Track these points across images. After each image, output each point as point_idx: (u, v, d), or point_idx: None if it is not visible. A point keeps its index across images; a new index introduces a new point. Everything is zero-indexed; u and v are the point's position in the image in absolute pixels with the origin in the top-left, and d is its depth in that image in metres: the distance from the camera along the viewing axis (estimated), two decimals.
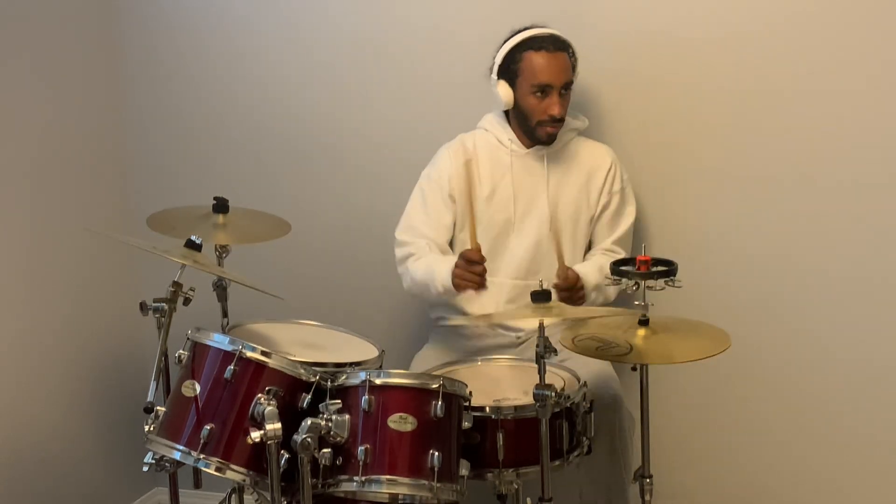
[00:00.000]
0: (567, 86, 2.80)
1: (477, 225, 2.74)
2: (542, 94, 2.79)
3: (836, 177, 2.88)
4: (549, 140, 2.85)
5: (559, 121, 2.81)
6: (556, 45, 2.79)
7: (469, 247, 2.69)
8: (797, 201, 2.92)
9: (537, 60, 2.78)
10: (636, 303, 2.37)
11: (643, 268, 2.36)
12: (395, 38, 3.19)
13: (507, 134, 2.89)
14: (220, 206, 2.84)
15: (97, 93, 3.39)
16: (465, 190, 2.79)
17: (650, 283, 2.35)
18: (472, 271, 2.66)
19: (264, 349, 2.31)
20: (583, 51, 2.85)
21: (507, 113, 2.90)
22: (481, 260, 2.65)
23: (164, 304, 2.47)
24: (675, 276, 2.36)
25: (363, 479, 2.20)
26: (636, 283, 2.36)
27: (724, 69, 2.93)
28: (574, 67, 2.83)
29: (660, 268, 2.37)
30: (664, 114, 3.00)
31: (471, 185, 2.79)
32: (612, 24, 2.99)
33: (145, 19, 3.41)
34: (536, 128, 2.83)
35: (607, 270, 2.51)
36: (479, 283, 2.67)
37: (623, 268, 2.39)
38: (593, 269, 2.78)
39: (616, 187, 2.89)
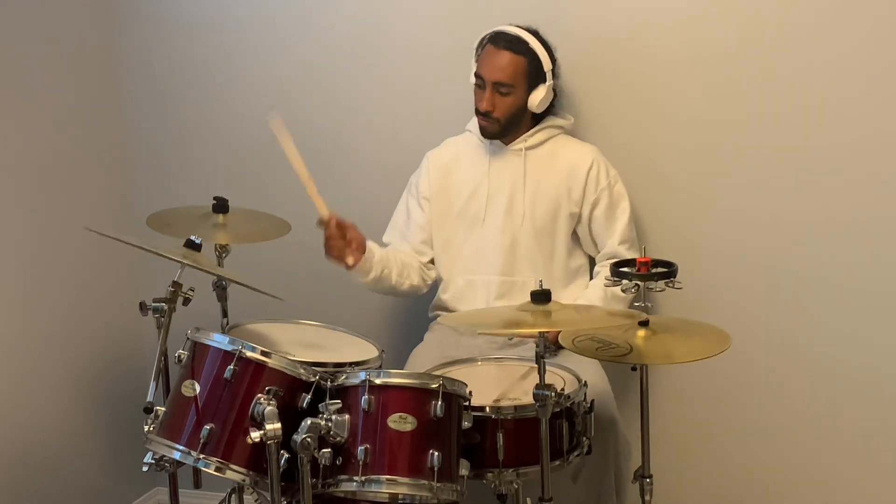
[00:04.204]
0: (503, 85, 2.77)
1: (459, 222, 2.89)
2: (479, 86, 2.80)
3: (836, 177, 2.88)
4: (483, 133, 2.86)
5: (489, 117, 2.80)
6: (507, 43, 2.78)
7: (442, 242, 2.89)
8: (797, 201, 2.92)
9: (483, 53, 2.81)
10: (636, 304, 2.38)
11: (643, 269, 2.37)
12: (389, 42, 3.20)
13: None
14: (220, 205, 2.85)
15: (97, 93, 3.39)
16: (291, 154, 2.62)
17: (650, 284, 2.36)
18: (326, 238, 2.72)
19: (264, 349, 2.30)
20: (577, 51, 2.85)
21: None
22: (327, 225, 2.69)
23: (164, 304, 2.46)
24: (674, 277, 2.36)
25: (363, 479, 2.20)
26: (636, 284, 2.36)
27: (725, 69, 2.93)
28: (530, 73, 2.78)
29: (660, 269, 2.37)
30: (662, 114, 3.00)
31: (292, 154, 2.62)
32: (604, 22, 2.99)
33: (144, 20, 3.41)
34: (477, 118, 2.85)
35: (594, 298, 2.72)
36: (332, 249, 2.71)
37: (623, 269, 2.39)
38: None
39: (602, 184, 2.86)
